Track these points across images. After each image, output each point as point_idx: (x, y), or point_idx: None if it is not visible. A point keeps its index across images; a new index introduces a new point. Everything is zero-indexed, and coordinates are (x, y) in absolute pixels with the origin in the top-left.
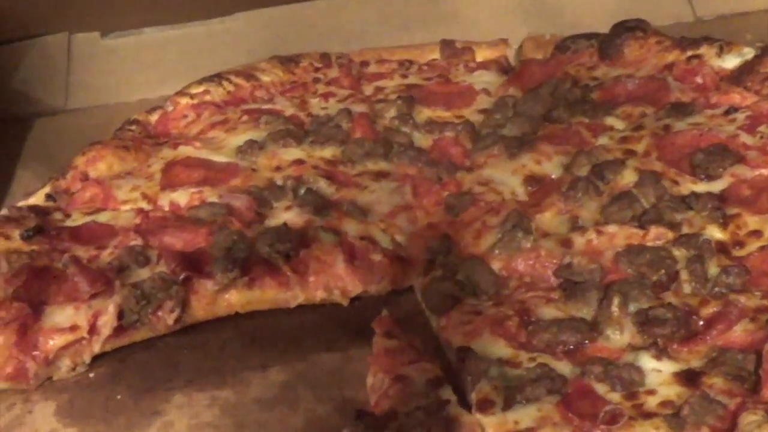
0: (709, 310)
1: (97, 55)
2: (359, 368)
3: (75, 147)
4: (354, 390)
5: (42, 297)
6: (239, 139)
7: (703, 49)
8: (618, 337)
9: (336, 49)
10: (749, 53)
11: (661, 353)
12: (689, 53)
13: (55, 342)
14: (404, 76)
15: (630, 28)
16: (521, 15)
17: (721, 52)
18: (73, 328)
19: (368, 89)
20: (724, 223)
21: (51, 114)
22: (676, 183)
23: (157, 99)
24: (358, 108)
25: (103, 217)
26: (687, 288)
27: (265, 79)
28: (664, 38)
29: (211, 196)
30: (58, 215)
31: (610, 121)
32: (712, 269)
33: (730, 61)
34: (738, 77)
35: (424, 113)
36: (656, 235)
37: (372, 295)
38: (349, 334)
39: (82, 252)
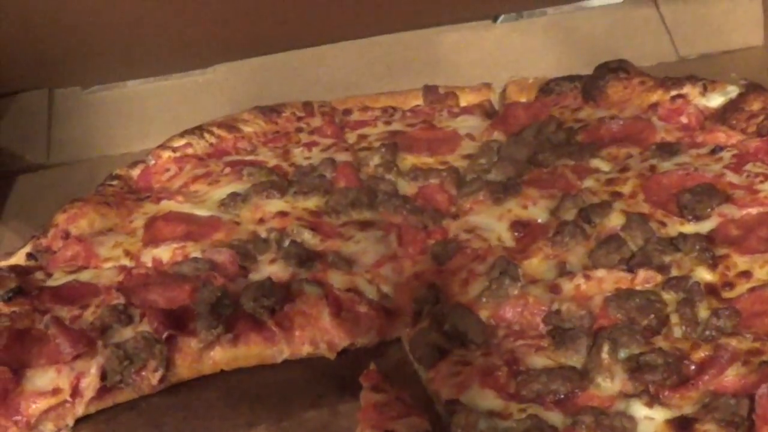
0: (700, 354)
1: (79, 110)
2: (348, 424)
3: (57, 203)
4: None
5: (23, 360)
6: (222, 192)
7: (687, 89)
8: (609, 384)
9: (319, 98)
10: (733, 91)
11: (652, 400)
12: (673, 93)
13: (37, 406)
14: (388, 123)
15: (613, 69)
16: (504, 59)
17: (705, 91)
18: (56, 391)
19: (351, 137)
20: (713, 264)
21: (33, 170)
22: (664, 224)
23: (140, 152)
24: (342, 157)
25: (85, 276)
26: (677, 332)
27: (248, 130)
28: (647, 78)
29: (194, 251)
30: (39, 275)
31: (595, 163)
32: (703, 312)
33: (715, 100)
34: (723, 116)
35: (409, 160)
36: (645, 279)
37: (359, 347)
38: (336, 388)
39: (65, 312)
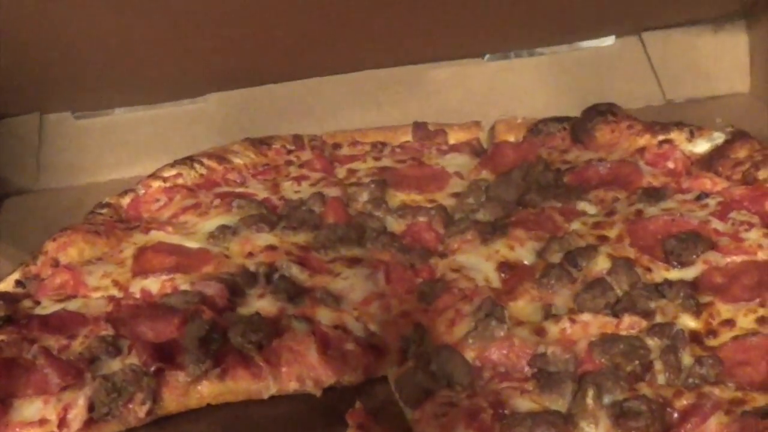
0: (683, 401)
1: (69, 135)
2: None
3: (46, 227)
4: None
5: (10, 389)
6: (211, 223)
7: (674, 134)
8: (593, 430)
9: (309, 130)
10: (719, 138)
11: None
12: (660, 138)
13: None
14: (377, 159)
15: (601, 112)
16: (493, 97)
17: (691, 137)
18: (43, 421)
19: (341, 172)
20: (697, 311)
21: (21, 194)
22: (649, 270)
23: (129, 179)
24: (331, 192)
25: (73, 305)
26: (661, 379)
27: (238, 161)
28: (635, 122)
29: (183, 283)
30: (27, 302)
31: (582, 205)
32: (686, 360)
33: (701, 146)
34: (709, 162)
35: (398, 197)
36: (630, 324)
37: (345, 384)
38: (322, 425)
39: (53, 342)
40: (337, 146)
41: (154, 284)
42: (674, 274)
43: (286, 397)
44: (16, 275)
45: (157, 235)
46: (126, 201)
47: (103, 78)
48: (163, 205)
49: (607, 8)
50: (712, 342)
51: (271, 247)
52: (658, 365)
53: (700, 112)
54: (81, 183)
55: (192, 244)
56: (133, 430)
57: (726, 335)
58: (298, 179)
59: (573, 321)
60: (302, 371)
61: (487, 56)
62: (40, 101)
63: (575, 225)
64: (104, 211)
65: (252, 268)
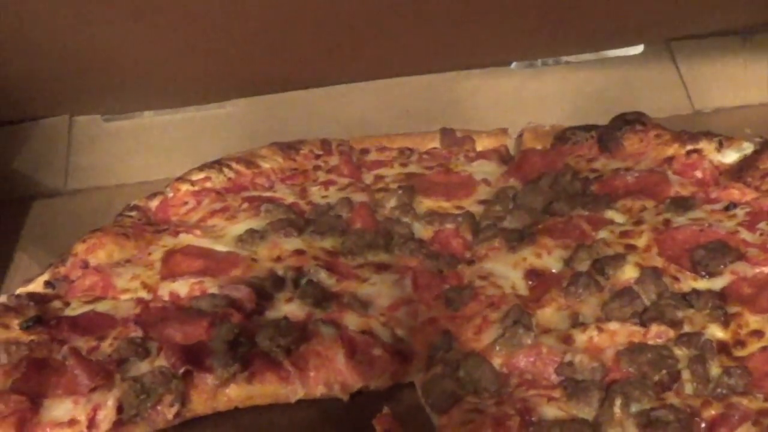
0: (711, 412)
1: (98, 138)
2: None
3: (74, 229)
4: None
5: (41, 389)
6: (240, 227)
7: (703, 144)
8: None
9: (337, 136)
10: (749, 148)
11: None
12: (689, 147)
13: None
14: (404, 165)
15: (629, 121)
16: (520, 105)
17: (720, 147)
18: (72, 422)
19: (368, 178)
20: (725, 321)
21: (50, 196)
22: (677, 279)
23: (158, 182)
24: (359, 197)
25: (102, 307)
26: (689, 388)
27: (266, 166)
28: (663, 132)
29: (211, 286)
30: (57, 303)
31: (610, 214)
32: (714, 370)
33: (730, 156)
34: (738, 172)
35: (425, 204)
36: (657, 334)
37: (372, 390)
38: (349, 430)
39: (82, 343)
40: (364, 152)
41: (182, 287)
42: (702, 284)
43: (313, 402)
44: (45, 276)
45: (185, 239)
46: (154, 204)
47: (131, 81)
48: (192, 208)
49: (636, 17)
50: (740, 352)
51: (299, 252)
52: (685, 375)
53: (728, 122)
54: (109, 185)
55: (220, 247)
56: None
57: (754, 346)
58: (326, 184)
59: (600, 329)
60: (329, 376)
61: (514, 64)
62: (69, 104)
63: (603, 233)
64: (133, 213)
65: (280, 272)
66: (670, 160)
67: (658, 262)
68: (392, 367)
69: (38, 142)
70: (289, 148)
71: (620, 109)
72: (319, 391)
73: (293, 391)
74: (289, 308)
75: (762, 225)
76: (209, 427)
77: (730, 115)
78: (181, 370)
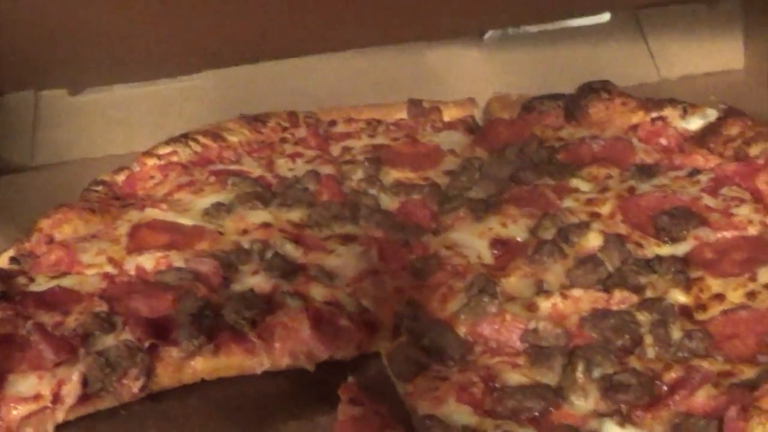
0: (672, 374)
1: (64, 112)
2: None
3: (40, 205)
4: None
5: (5, 365)
6: (206, 201)
7: (668, 111)
8: (582, 403)
9: (304, 108)
10: (712, 115)
11: (624, 420)
12: (654, 114)
13: (18, 411)
14: (372, 136)
15: (595, 89)
16: (488, 76)
17: (684, 114)
18: (37, 397)
19: (336, 149)
20: (688, 286)
21: (16, 171)
22: (641, 246)
23: (125, 156)
24: (326, 169)
25: (68, 282)
26: (651, 353)
27: (233, 139)
28: (629, 99)
29: (177, 260)
30: (22, 279)
31: (575, 182)
32: (676, 334)
33: (694, 123)
34: (701, 139)
35: (391, 175)
36: (621, 299)
37: (338, 360)
38: (315, 400)
39: (47, 318)
40: (332, 123)
41: (148, 261)
42: (665, 250)
43: (279, 373)
44: (10, 252)
45: (151, 213)
46: (121, 178)
47: (99, 55)
48: (158, 182)
49: None
50: (701, 316)
51: (266, 225)
52: (648, 339)
53: (694, 89)
54: (76, 160)
55: (186, 221)
56: (127, 406)
57: (715, 309)
58: (293, 157)
59: (564, 296)
60: (295, 347)
61: (483, 34)
62: (34, 78)
63: (568, 202)
64: (99, 188)
65: (246, 245)
66: (635, 127)
67: (622, 229)
68: (358, 337)
69: (3, 117)
70: (255, 120)
71: (587, 77)
72: (285, 362)
73: (259, 362)
74: (255, 281)
75: (724, 190)
76: (176, 400)
77: (696, 82)
78: (147, 344)
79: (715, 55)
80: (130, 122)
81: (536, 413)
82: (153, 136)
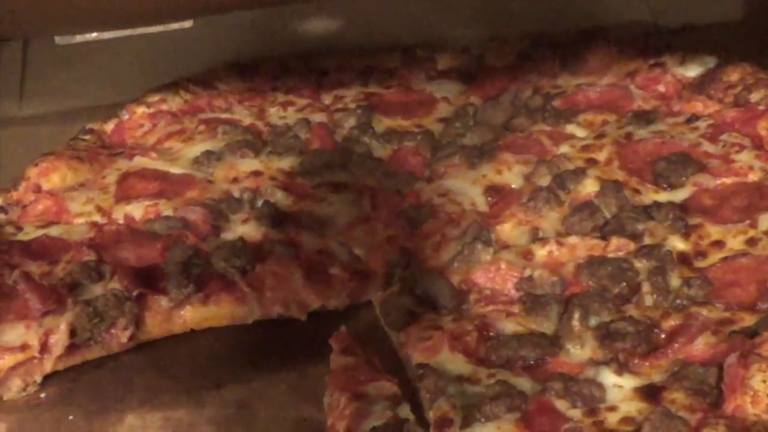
0: (670, 323)
1: (52, 61)
2: (317, 387)
3: (29, 155)
4: (311, 409)
5: None
6: (196, 149)
7: (666, 58)
8: (578, 351)
9: (296, 56)
10: (711, 62)
11: (622, 368)
12: (652, 61)
13: (5, 361)
14: (364, 85)
15: (592, 38)
16: (483, 21)
17: (683, 61)
18: (24, 346)
19: (327, 98)
20: (686, 233)
21: (5, 121)
22: (638, 192)
23: (114, 105)
24: (317, 117)
25: (55, 231)
26: (648, 300)
27: (223, 87)
28: (626, 47)
29: (166, 209)
30: (9, 228)
31: (571, 129)
32: (674, 281)
33: (693, 70)
34: (700, 85)
35: (384, 123)
36: (617, 246)
37: (330, 309)
38: (306, 350)
39: (34, 267)
40: (324, 72)
41: (137, 210)
42: (663, 196)
43: (269, 323)
44: None
45: (140, 161)
46: (110, 127)
47: (88, 2)
48: (148, 131)
49: None
50: (700, 263)
51: (256, 173)
52: (645, 287)
53: (692, 39)
54: (65, 109)
55: (176, 169)
56: (115, 356)
57: (715, 256)
58: (284, 105)
59: (560, 244)
60: (286, 296)
61: None
62: (23, 28)
63: (564, 148)
64: (88, 137)
65: (236, 193)
66: (632, 74)
67: (620, 175)
68: (350, 286)
69: None
70: (246, 68)
71: (584, 25)
72: (276, 311)
73: (249, 311)
74: (245, 229)
75: (724, 137)
76: (165, 350)
77: (693, 32)
78: (135, 293)
79: (713, 5)
80: (119, 71)
81: (531, 362)
82: (142, 83)
